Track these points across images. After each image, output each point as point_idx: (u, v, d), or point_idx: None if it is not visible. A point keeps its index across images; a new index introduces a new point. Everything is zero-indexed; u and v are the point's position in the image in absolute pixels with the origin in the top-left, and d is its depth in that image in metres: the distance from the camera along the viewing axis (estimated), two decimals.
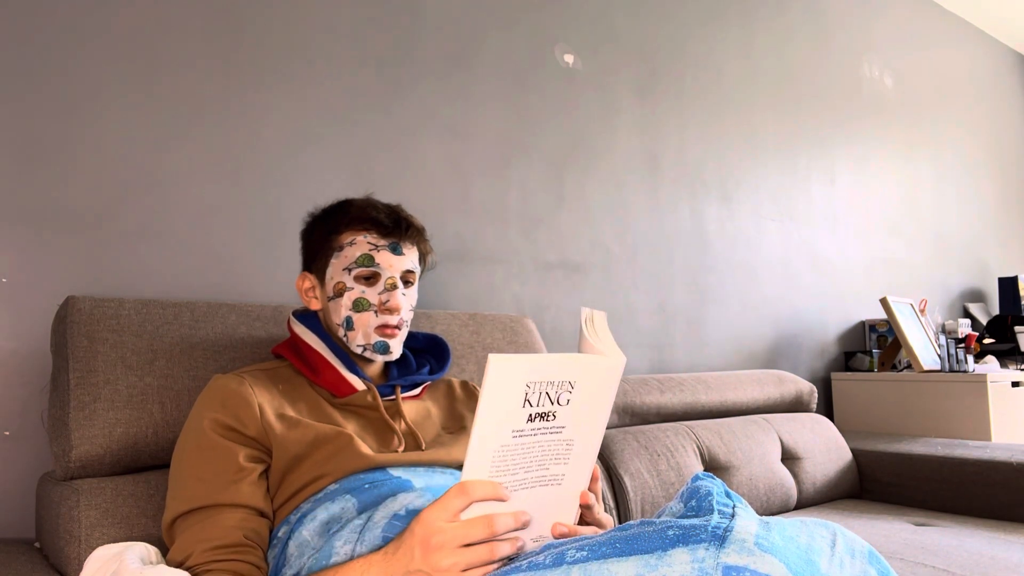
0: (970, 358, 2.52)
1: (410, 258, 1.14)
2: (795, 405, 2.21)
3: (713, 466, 1.79)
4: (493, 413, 0.73)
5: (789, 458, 1.97)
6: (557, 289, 2.06)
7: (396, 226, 1.12)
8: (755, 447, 1.88)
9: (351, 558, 0.85)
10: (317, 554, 0.90)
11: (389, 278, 1.11)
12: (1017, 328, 3.01)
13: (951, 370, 2.51)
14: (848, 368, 2.86)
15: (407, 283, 1.14)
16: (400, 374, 1.18)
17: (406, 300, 1.13)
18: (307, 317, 1.16)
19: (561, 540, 0.76)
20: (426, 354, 1.26)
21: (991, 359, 2.83)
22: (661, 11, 2.42)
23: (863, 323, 3.00)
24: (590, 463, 0.83)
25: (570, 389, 0.77)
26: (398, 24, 1.81)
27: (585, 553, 0.69)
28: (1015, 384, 2.54)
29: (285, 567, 0.93)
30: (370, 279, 1.11)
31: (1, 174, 1.29)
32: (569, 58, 2.16)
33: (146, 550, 0.91)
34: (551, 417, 0.77)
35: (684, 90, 2.46)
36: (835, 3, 3.11)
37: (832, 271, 2.92)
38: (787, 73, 2.84)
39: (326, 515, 0.94)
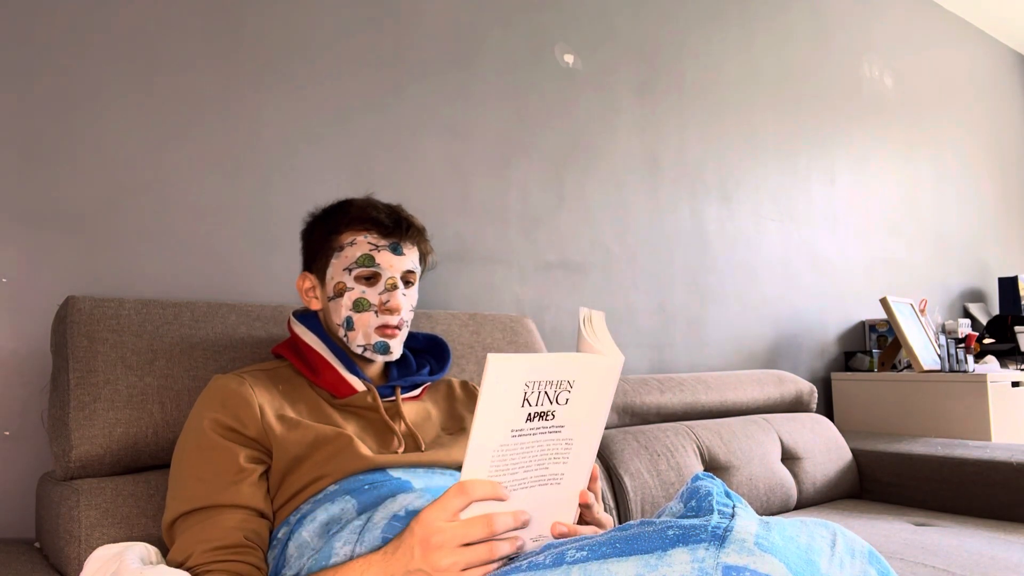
0: (970, 358, 2.52)
1: (410, 258, 1.14)
2: (795, 405, 2.21)
3: (713, 466, 1.79)
4: (492, 413, 0.73)
5: (789, 458, 1.97)
6: (557, 289, 2.06)
7: (397, 226, 1.12)
8: (755, 447, 1.88)
9: (350, 559, 0.85)
10: (317, 555, 0.90)
11: (389, 278, 1.11)
12: (1017, 328, 3.01)
13: (951, 370, 2.51)
14: (848, 368, 2.86)
15: (407, 283, 1.14)
16: (400, 375, 1.18)
17: (406, 300, 1.13)
18: (307, 317, 1.16)
19: (561, 540, 0.76)
20: (426, 354, 1.26)
21: (991, 359, 2.83)
22: (661, 11, 2.42)
23: (863, 323, 3.00)
24: (589, 462, 0.83)
25: (569, 388, 0.77)
26: (398, 24, 1.81)
27: (585, 553, 0.69)
28: (1015, 384, 2.54)
29: (285, 568, 0.93)
30: (370, 279, 1.11)
31: (1, 174, 1.29)
32: (569, 58, 2.16)
33: (146, 550, 0.91)
34: (550, 416, 0.77)
35: (684, 90, 2.46)
36: (835, 3, 3.11)
37: (832, 271, 2.92)
38: (787, 73, 2.84)
39: (326, 516, 0.94)
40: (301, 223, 1.20)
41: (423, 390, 1.20)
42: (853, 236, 3.04)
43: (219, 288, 1.50)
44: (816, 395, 2.27)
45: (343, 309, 1.11)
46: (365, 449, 1.02)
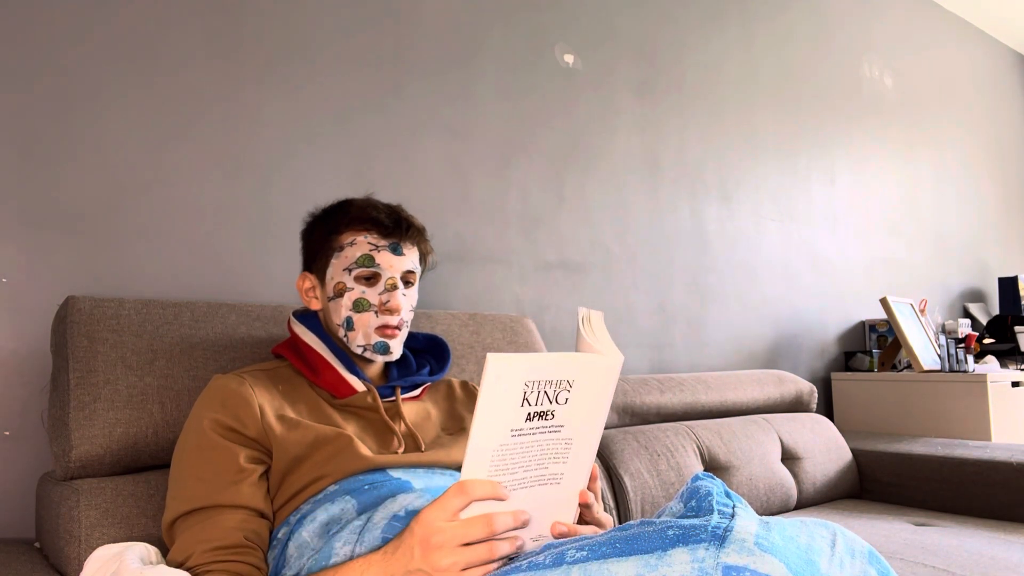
0: (970, 358, 2.52)
1: (410, 258, 1.14)
2: (795, 405, 2.21)
3: (713, 466, 1.79)
4: (492, 412, 0.73)
5: (789, 458, 1.97)
6: (557, 289, 2.06)
7: (396, 226, 1.12)
8: (755, 447, 1.88)
9: (350, 559, 0.85)
10: (317, 555, 0.90)
11: (389, 278, 1.11)
12: (1017, 328, 3.02)
13: (951, 370, 2.51)
14: (848, 368, 2.86)
15: (407, 283, 1.14)
16: (400, 375, 1.18)
17: (406, 300, 1.13)
18: (307, 317, 1.16)
19: (561, 540, 0.76)
20: (426, 354, 1.26)
21: (991, 359, 2.83)
22: (661, 11, 2.42)
23: (863, 323, 3.00)
24: (589, 462, 0.83)
25: (568, 388, 0.77)
26: (398, 24, 1.82)
27: (585, 553, 0.69)
28: (1015, 384, 2.54)
29: (285, 568, 0.93)
30: (370, 279, 1.11)
31: (1, 174, 1.29)
32: (569, 58, 2.16)
33: (146, 550, 0.91)
34: (550, 416, 0.77)
35: (684, 90, 2.46)
36: (835, 3, 3.11)
37: (832, 271, 2.92)
38: (787, 73, 2.84)
39: (326, 516, 0.94)
40: (301, 223, 1.20)
41: (423, 390, 1.20)
42: (853, 236, 3.04)
43: (219, 288, 1.50)
44: (816, 395, 2.27)
45: (343, 309, 1.11)
46: (365, 449, 1.02)
